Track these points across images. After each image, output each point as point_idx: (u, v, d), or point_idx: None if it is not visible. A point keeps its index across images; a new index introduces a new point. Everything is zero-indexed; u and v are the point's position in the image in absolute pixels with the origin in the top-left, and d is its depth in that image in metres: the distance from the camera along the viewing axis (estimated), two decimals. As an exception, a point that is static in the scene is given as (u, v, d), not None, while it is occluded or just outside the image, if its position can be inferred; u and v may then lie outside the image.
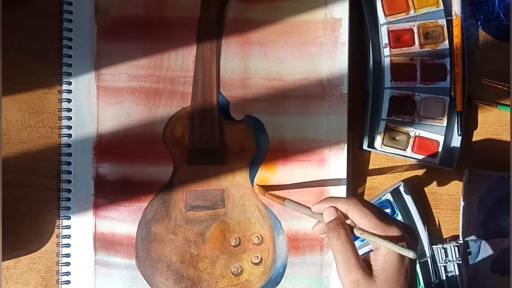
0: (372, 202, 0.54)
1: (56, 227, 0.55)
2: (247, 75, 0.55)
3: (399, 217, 0.54)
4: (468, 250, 0.55)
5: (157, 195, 0.55)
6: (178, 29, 0.55)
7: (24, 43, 0.55)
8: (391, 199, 0.54)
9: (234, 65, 0.55)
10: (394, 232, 0.41)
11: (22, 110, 0.55)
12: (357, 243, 0.54)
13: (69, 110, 0.55)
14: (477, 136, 0.57)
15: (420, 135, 0.54)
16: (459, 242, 0.55)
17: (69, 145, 0.54)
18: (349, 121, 0.55)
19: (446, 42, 0.54)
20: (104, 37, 0.55)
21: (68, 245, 0.54)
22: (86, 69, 0.55)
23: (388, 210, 0.54)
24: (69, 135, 0.54)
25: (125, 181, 0.55)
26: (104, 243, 0.55)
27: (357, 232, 0.42)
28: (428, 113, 0.54)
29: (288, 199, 0.50)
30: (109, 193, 0.55)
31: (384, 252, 0.41)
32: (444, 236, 0.57)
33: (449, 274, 0.54)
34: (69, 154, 0.54)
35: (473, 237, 0.55)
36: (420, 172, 0.57)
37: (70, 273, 0.55)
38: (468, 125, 0.56)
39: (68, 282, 0.55)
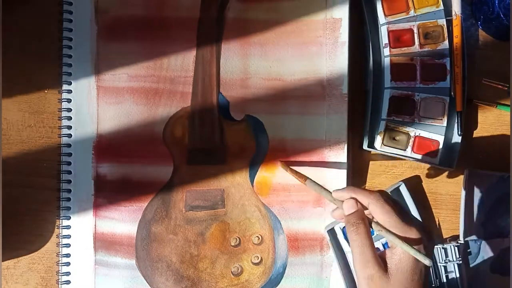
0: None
1: (56, 227, 0.55)
2: (247, 75, 0.55)
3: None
4: (468, 250, 0.55)
5: (157, 195, 0.55)
6: (178, 29, 0.55)
7: (24, 43, 0.55)
8: (391, 199, 0.54)
9: (234, 65, 0.55)
10: (413, 234, 0.41)
11: (22, 110, 0.55)
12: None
13: (69, 110, 0.55)
14: (477, 136, 0.57)
15: (420, 135, 0.54)
16: (459, 242, 0.55)
17: (69, 145, 0.54)
18: (349, 121, 0.55)
19: (446, 42, 0.54)
20: (104, 37, 0.55)
21: (68, 245, 0.54)
22: (86, 69, 0.55)
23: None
24: (69, 135, 0.54)
25: (125, 181, 0.55)
26: (104, 243, 0.55)
27: (375, 228, 0.42)
28: (428, 113, 0.54)
29: (310, 179, 0.49)
30: (109, 193, 0.55)
31: (400, 251, 0.41)
32: (444, 236, 0.57)
33: (449, 274, 0.54)
34: (69, 154, 0.54)
35: (473, 237, 0.55)
36: (420, 172, 0.57)
37: (70, 273, 0.55)
38: (468, 125, 0.56)
39: (68, 282, 0.55)
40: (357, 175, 0.56)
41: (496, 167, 0.56)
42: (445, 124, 0.54)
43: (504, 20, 0.55)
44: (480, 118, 0.57)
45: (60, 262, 0.55)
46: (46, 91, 0.55)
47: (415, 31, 0.54)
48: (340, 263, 0.54)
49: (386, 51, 0.54)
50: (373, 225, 0.43)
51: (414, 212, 0.54)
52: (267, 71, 0.55)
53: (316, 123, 0.55)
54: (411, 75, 0.54)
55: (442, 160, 0.55)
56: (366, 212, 0.43)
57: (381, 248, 0.54)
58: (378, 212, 0.42)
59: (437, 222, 0.57)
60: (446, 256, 0.54)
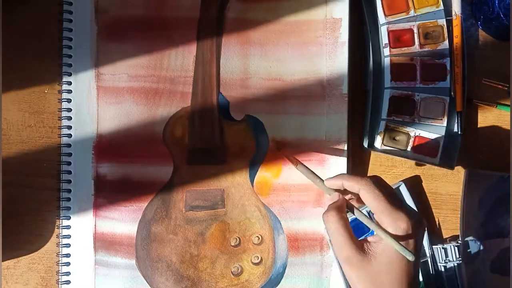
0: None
1: (56, 227, 0.55)
2: (247, 75, 0.55)
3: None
4: (468, 250, 0.55)
5: (157, 195, 0.55)
6: (178, 29, 0.55)
7: (24, 43, 0.55)
8: (391, 199, 0.54)
9: (234, 65, 0.55)
10: (402, 220, 0.40)
11: (22, 110, 0.55)
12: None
13: (69, 110, 0.55)
14: (477, 136, 0.57)
15: (420, 135, 0.54)
16: (459, 242, 0.55)
17: (69, 145, 0.54)
18: (349, 121, 0.55)
19: (446, 42, 0.54)
20: (104, 37, 0.55)
21: (68, 245, 0.54)
22: (86, 69, 0.55)
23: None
24: (69, 135, 0.55)
25: (125, 181, 0.55)
26: (104, 243, 0.55)
27: (358, 216, 0.43)
28: (428, 113, 0.54)
29: (302, 164, 0.49)
30: (109, 193, 0.55)
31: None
32: (444, 236, 0.57)
33: (449, 274, 0.54)
34: (69, 154, 0.54)
35: (473, 237, 0.55)
36: (420, 172, 0.57)
37: (70, 273, 0.55)
38: (468, 125, 0.56)
39: (68, 282, 0.55)
40: (357, 175, 0.56)
41: (496, 167, 0.56)
42: (445, 124, 0.54)
43: (504, 20, 0.55)
44: (480, 118, 0.57)
45: (60, 262, 0.55)
46: (46, 91, 0.55)
47: (415, 31, 0.54)
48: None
49: (386, 51, 0.54)
50: (356, 213, 0.43)
51: (414, 212, 0.55)
52: (267, 71, 0.55)
53: (316, 123, 0.55)
54: (411, 75, 0.54)
55: (442, 160, 0.55)
56: (353, 202, 0.44)
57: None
58: (368, 197, 0.42)
59: (437, 222, 0.57)
60: (446, 256, 0.54)
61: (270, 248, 0.55)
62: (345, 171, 0.55)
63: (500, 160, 0.57)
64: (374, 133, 0.55)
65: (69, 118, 0.55)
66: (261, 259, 0.55)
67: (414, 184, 0.56)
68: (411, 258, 0.40)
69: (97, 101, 0.55)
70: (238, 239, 0.55)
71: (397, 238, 0.40)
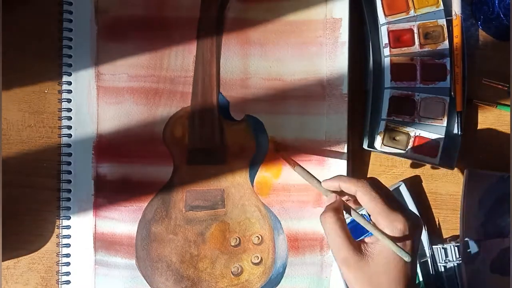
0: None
1: (56, 227, 0.55)
2: (247, 75, 0.55)
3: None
4: (468, 250, 0.55)
5: (157, 195, 0.55)
6: (178, 29, 0.55)
7: (24, 43, 0.55)
8: (391, 199, 0.54)
9: (234, 65, 0.55)
10: (399, 221, 0.40)
11: (22, 110, 0.55)
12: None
13: (69, 110, 0.55)
14: (477, 136, 0.57)
15: (420, 135, 0.54)
16: (459, 242, 0.55)
17: (69, 145, 0.54)
18: (349, 121, 0.55)
19: (446, 42, 0.54)
20: (104, 37, 0.55)
21: (68, 245, 0.54)
22: (86, 69, 0.55)
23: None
24: (69, 135, 0.55)
25: (125, 181, 0.55)
26: (104, 243, 0.55)
27: (355, 217, 0.43)
28: (428, 113, 0.54)
29: (300, 166, 0.50)
30: (109, 193, 0.55)
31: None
32: (444, 236, 0.57)
33: (449, 274, 0.54)
34: (69, 154, 0.54)
35: (473, 237, 0.55)
36: (420, 172, 0.57)
37: (70, 273, 0.55)
38: (468, 125, 0.56)
39: (68, 282, 0.55)
40: (357, 175, 0.56)
41: (496, 167, 0.56)
42: (445, 124, 0.54)
43: (504, 20, 0.55)
44: (480, 118, 0.57)
45: (60, 262, 0.55)
46: (46, 91, 0.55)
47: (415, 31, 0.54)
48: (340, 263, 0.54)
49: (386, 51, 0.54)
50: (352, 214, 0.43)
51: (414, 212, 0.54)
52: (267, 71, 0.55)
53: (316, 123, 0.55)
54: (411, 75, 0.54)
55: (442, 160, 0.55)
56: (351, 204, 0.44)
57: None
58: (365, 199, 0.42)
59: (437, 222, 0.57)
60: (446, 256, 0.54)
61: (270, 248, 0.55)
62: (345, 171, 0.55)
63: (500, 160, 0.57)
64: (374, 133, 0.55)
65: (69, 118, 0.55)
66: (261, 259, 0.55)
67: (414, 184, 0.56)
68: (407, 259, 0.40)
69: (97, 101, 0.55)
70: (238, 239, 0.55)
71: (394, 239, 0.40)
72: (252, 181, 0.55)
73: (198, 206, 0.55)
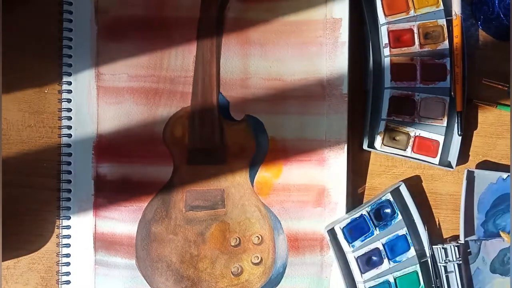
0: (372, 202, 0.54)
1: (56, 227, 0.55)
2: (247, 75, 0.55)
3: (399, 217, 0.54)
4: (468, 250, 0.55)
5: (157, 195, 0.55)
6: (178, 29, 0.55)
7: (24, 43, 0.55)
8: (391, 199, 0.54)
9: (234, 65, 0.55)
10: None
11: (22, 110, 0.55)
12: (358, 242, 0.54)
13: (69, 110, 0.55)
14: (477, 136, 0.57)
15: (420, 135, 0.54)
16: (459, 242, 0.55)
17: (69, 145, 0.54)
18: (349, 121, 0.55)
19: (446, 42, 0.54)
20: (104, 37, 0.55)
21: (68, 245, 0.54)
22: (86, 69, 0.55)
23: (388, 210, 0.54)
24: (69, 135, 0.55)
25: (125, 181, 0.55)
26: (104, 243, 0.55)
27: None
28: (428, 113, 0.54)
29: None
30: (109, 193, 0.55)
31: None
32: (444, 236, 0.57)
33: (449, 274, 0.54)
34: (69, 154, 0.54)
35: (473, 237, 0.55)
36: (420, 172, 0.57)
37: (70, 273, 0.55)
38: (468, 125, 0.56)
39: (68, 282, 0.55)
40: (357, 175, 0.56)
41: (496, 167, 0.56)
42: (445, 124, 0.54)
43: (504, 20, 0.55)
44: (480, 118, 0.57)
45: (60, 262, 0.55)
46: (46, 91, 0.55)
47: (415, 31, 0.54)
48: (340, 263, 0.54)
49: (386, 51, 0.54)
50: None
51: (414, 212, 0.54)
52: (267, 71, 0.55)
53: (316, 123, 0.55)
54: (411, 75, 0.54)
55: (442, 160, 0.55)
56: None
57: (381, 247, 0.54)
58: None
59: (437, 222, 0.57)
60: (446, 256, 0.54)
61: (270, 248, 0.55)
62: (345, 171, 0.55)
63: (500, 160, 0.57)
64: (374, 133, 0.55)
65: (69, 118, 0.55)
66: (261, 259, 0.55)
67: (414, 184, 0.56)
68: None
69: (97, 101, 0.55)
70: (238, 239, 0.55)
71: None
72: (252, 181, 0.55)
73: (198, 206, 0.55)
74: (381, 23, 0.54)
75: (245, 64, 0.55)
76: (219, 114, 0.55)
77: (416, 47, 0.54)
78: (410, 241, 0.54)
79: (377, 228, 0.54)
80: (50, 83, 0.55)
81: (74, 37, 0.55)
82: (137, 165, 0.55)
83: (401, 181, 0.56)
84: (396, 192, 0.55)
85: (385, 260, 0.54)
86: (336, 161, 0.55)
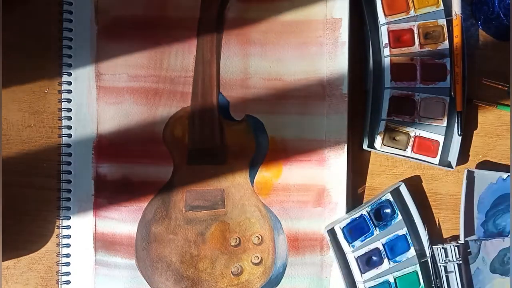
0: (372, 202, 0.54)
1: (56, 227, 0.55)
2: (247, 75, 0.55)
3: (399, 217, 0.54)
4: (468, 250, 0.55)
5: (157, 195, 0.55)
6: (178, 29, 0.55)
7: (24, 43, 0.55)
8: (391, 199, 0.54)
9: (234, 65, 0.55)
10: None
11: (22, 110, 0.55)
12: (358, 242, 0.54)
13: (69, 110, 0.55)
14: (477, 136, 0.57)
15: (420, 135, 0.54)
16: (459, 242, 0.55)
17: (69, 145, 0.54)
18: (349, 121, 0.55)
19: (446, 42, 0.54)
20: (104, 37, 0.55)
21: (68, 245, 0.54)
22: (86, 69, 0.55)
23: (388, 210, 0.54)
24: (69, 135, 0.55)
25: (125, 181, 0.55)
26: (104, 243, 0.55)
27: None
28: (428, 113, 0.54)
29: None
30: (109, 193, 0.55)
31: None
32: (444, 236, 0.57)
33: (449, 274, 0.54)
34: (69, 154, 0.54)
35: (473, 237, 0.55)
36: (420, 172, 0.57)
37: (70, 273, 0.55)
38: (468, 125, 0.56)
39: (68, 282, 0.55)
40: (357, 175, 0.56)
41: (496, 167, 0.56)
42: (445, 124, 0.54)
43: (504, 20, 0.55)
44: (480, 118, 0.57)
45: (60, 262, 0.55)
46: (46, 91, 0.55)
47: (415, 31, 0.54)
48: (340, 263, 0.54)
49: (386, 51, 0.54)
50: None
51: (414, 212, 0.54)
52: (267, 71, 0.55)
53: (316, 123, 0.55)
54: (411, 75, 0.54)
55: (442, 160, 0.55)
56: None
57: (381, 247, 0.54)
58: None
59: (437, 222, 0.57)
60: (446, 256, 0.54)
61: (270, 248, 0.55)
62: (345, 171, 0.55)
63: (500, 160, 0.57)
64: (374, 133, 0.55)
65: (69, 118, 0.55)
66: (261, 259, 0.55)
67: (414, 184, 0.56)
68: None
69: (97, 101, 0.55)
70: (238, 239, 0.55)
71: None
72: (252, 181, 0.55)
73: (198, 206, 0.55)
74: (381, 23, 0.54)
75: (245, 64, 0.55)
76: (219, 114, 0.55)
77: (416, 47, 0.54)
78: (410, 241, 0.54)
79: (377, 228, 0.54)
80: (50, 83, 0.55)
81: (74, 37, 0.55)
82: (137, 165, 0.55)
83: (401, 181, 0.56)
84: (396, 192, 0.55)
85: (385, 260, 0.54)
86: (336, 161, 0.55)
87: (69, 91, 0.55)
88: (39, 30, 0.55)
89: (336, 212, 0.55)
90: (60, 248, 0.54)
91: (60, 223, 0.55)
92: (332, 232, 0.54)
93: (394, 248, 0.54)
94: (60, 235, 0.55)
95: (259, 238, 0.55)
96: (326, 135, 0.55)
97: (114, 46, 0.55)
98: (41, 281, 0.56)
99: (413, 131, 0.54)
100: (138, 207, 0.55)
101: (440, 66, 0.54)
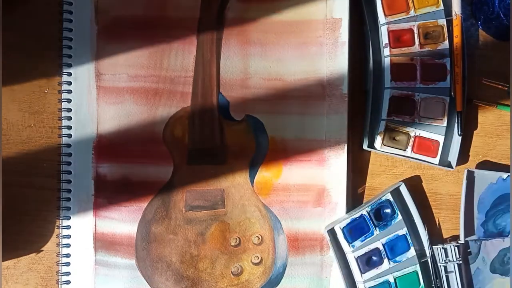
0: (372, 202, 0.54)
1: (56, 227, 0.55)
2: (247, 75, 0.55)
3: (399, 217, 0.54)
4: (468, 250, 0.55)
5: (157, 195, 0.55)
6: (178, 29, 0.55)
7: (24, 43, 0.55)
8: (391, 199, 0.54)
9: (234, 65, 0.55)
10: None
11: (22, 110, 0.55)
12: (358, 242, 0.54)
13: (69, 110, 0.55)
14: (477, 136, 0.57)
15: (420, 135, 0.54)
16: (459, 242, 0.55)
17: (69, 145, 0.54)
18: (349, 121, 0.55)
19: (446, 42, 0.54)
20: (104, 37, 0.55)
21: (68, 245, 0.54)
22: (86, 69, 0.55)
23: (388, 210, 0.54)
24: (69, 135, 0.55)
25: (125, 181, 0.55)
26: (104, 243, 0.55)
27: None
28: (428, 113, 0.54)
29: None
30: (109, 193, 0.55)
31: None
32: (444, 236, 0.57)
33: (449, 274, 0.54)
34: (69, 154, 0.54)
35: (473, 237, 0.55)
36: (420, 172, 0.57)
37: (70, 273, 0.55)
38: (468, 125, 0.56)
39: (68, 282, 0.55)
40: (357, 175, 0.56)
41: (496, 167, 0.56)
42: (445, 124, 0.54)
43: (504, 20, 0.55)
44: (480, 118, 0.57)
45: (60, 262, 0.55)
46: (46, 91, 0.55)
47: (415, 31, 0.54)
48: (340, 263, 0.54)
49: (386, 51, 0.54)
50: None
51: (414, 212, 0.54)
52: (267, 71, 0.55)
53: (316, 123, 0.55)
54: (411, 75, 0.54)
55: (442, 160, 0.55)
56: None
57: (381, 247, 0.54)
58: None
59: (437, 222, 0.57)
60: (446, 256, 0.54)
61: (270, 248, 0.55)
62: (345, 171, 0.55)
63: (500, 160, 0.57)
64: (374, 133, 0.55)
65: (69, 118, 0.55)
66: (261, 259, 0.55)
67: (414, 184, 0.56)
68: None
69: (97, 101, 0.55)
70: (238, 239, 0.55)
71: None
72: (252, 181, 0.55)
73: (198, 206, 0.55)
74: (381, 23, 0.54)
75: (245, 64, 0.55)
76: (219, 114, 0.55)
77: (416, 47, 0.54)
78: (410, 241, 0.54)
79: (377, 228, 0.54)
80: (50, 83, 0.55)
81: (74, 37, 0.55)
82: (137, 165, 0.55)
83: (401, 181, 0.56)
84: (396, 192, 0.55)
85: (385, 260, 0.54)
86: (336, 161, 0.55)
87: (69, 91, 0.55)
88: (39, 30, 0.55)
89: (336, 212, 0.55)
90: (60, 248, 0.54)
91: (60, 223, 0.55)
92: (332, 232, 0.54)
93: (394, 248, 0.54)
94: (60, 235, 0.55)
95: (259, 238, 0.55)
96: (326, 135, 0.55)
97: (114, 46, 0.55)
98: (41, 281, 0.56)
99: (413, 131, 0.54)
100: (138, 207, 0.55)
101: (440, 66, 0.54)
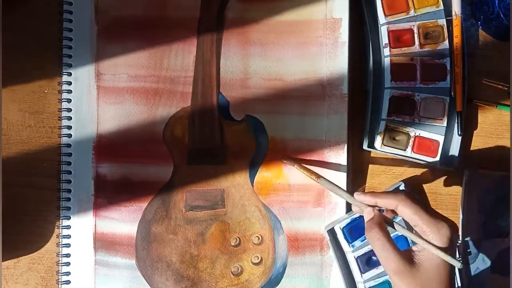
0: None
1: (56, 227, 0.55)
2: (247, 75, 0.55)
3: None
4: (468, 250, 0.55)
5: (157, 195, 0.55)
6: (178, 29, 0.55)
7: (24, 43, 0.55)
8: (391, 199, 0.54)
9: (234, 65, 0.55)
10: (444, 227, 0.42)
11: (22, 110, 0.55)
12: (358, 242, 0.54)
13: (69, 110, 0.55)
14: (477, 136, 0.57)
15: (420, 135, 0.54)
16: (459, 242, 0.55)
17: (69, 145, 0.55)
18: (349, 121, 0.55)
19: (446, 42, 0.54)
20: (104, 37, 0.55)
21: (68, 245, 0.54)
22: (86, 69, 0.55)
23: (388, 210, 0.54)
24: (69, 135, 0.55)
25: (125, 181, 0.55)
26: (104, 243, 0.55)
27: (398, 229, 0.44)
28: (428, 113, 0.54)
29: (324, 177, 0.50)
30: (109, 193, 0.55)
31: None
32: (444, 236, 0.57)
33: (449, 274, 0.54)
34: (69, 154, 0.54)
35: (473, 237, 0.55)
36: (420, 172, 0.57)
37: (70, 273, 0.55)
38: (468, 125, 0.56)
39: (68, 282, 0.55)
40: (357, 175, 0.56)
41: (496, 167, 0.56)
42: (445, 124, 0.54)
43: (504, 20, 0.55)
44: (480, 118, 0.57)
45: (60, 262, 0.55)
46: (46, 91, 0.55)
47: (415, 31, 0.54)
48: (340, 263, 0.54)
49: (386, 51, 0.54)
50: (396, 226, 0.44)
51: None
52: (267, 71, 0.55)
53: (316, 123, 0.55)
54: (411, 75, 0.54)
55: (442, 160, 0.55)
56: (388, 214, 0.46)
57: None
58: (407, 212, 0.43)
59: (437, 222, 0.57)
60: (446, 256, 0.54)
61: (270, 248, 0.55)
62: (345, 172, 0.55)
63: (500, 160, 0.57)
64: (374, 133, 0.55)
65: (69, 118, 0.55)
66: (261, 259, 0.55)
67: (414, 184, 0.56)
68: (459, 265, 0.42)
69: (97, 101, 0.55)
70: (238, 239, 0.55)
71: (444, 247, 0.42)
72: (252, 181, 0.55)
73: (198, 206, 0.55)
74: (381, 23, 0.54)
75: (245, 64, 0.55)
76: (219, 114, 0.55)
77: (416, 47, 0.54)
78: (410, 241, 0.54)
79: (377, 228, 0.54)
80: (50, 83, 0.55)
81: (74, 37, 0.55)
82: (137, 165, 0.55)
83: (401, 181, 0.56)
84: (396, 192, 0.55)
85: (385, 260, 0.54)
86: (336, 161, 0.55)
87: (69, 91, 0.55)
88: (39, 30, 0.55)
89: (336, 212, 0.55)
90: (60, 248, 0.54)
91: (60, 223, 0.55)
92: (332, 232, 0.54)
93: (394, 248, 0.54)
94: (60, 235, 0.55)
95: (259, 238, 0.55)
96: (326, 135, 0.55)
97: (114, 46, 0.55)
98: (41, 281, 0.56)
99: (413, 131, 0.54)
100: (138, 207, 0.55)
101: (440, 66, 0.54)
